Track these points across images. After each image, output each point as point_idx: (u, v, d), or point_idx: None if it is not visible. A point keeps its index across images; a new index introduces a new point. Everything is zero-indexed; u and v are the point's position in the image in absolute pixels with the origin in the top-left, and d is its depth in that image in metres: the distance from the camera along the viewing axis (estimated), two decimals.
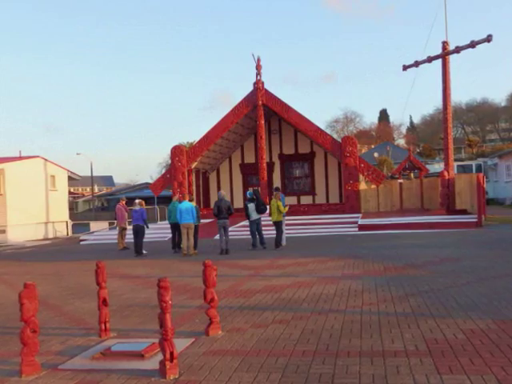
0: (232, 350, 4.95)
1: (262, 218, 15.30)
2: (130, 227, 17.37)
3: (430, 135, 77.83)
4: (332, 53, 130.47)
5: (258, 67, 24.73)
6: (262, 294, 7.79)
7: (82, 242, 22.33)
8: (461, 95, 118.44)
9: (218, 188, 27.68)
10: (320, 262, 11.17)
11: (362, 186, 25.62)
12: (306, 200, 28.50)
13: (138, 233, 15.32)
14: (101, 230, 27.36)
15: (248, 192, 16.28)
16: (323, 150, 27.87)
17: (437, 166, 43.19)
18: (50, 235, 29.42)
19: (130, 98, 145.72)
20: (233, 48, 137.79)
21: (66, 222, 31.40)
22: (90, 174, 50.57)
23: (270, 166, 28.37)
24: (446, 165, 22.17)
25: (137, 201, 16.05)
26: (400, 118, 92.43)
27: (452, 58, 21.75)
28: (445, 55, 21.57)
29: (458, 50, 21.21)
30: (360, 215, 22.19)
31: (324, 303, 6.85)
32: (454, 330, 5.22)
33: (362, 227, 19.57)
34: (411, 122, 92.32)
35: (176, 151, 25.64)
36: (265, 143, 25.84)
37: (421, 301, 6.67)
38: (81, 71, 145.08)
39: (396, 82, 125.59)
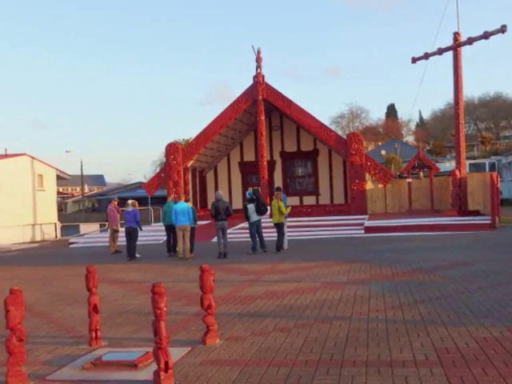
0: (230, 359, 4.95)
1: (263, 220, 15.31)
2: (122, 229, 17.39)
3: (440, 132, 77.88)
4: (336, 44, 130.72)
5: (258, 60, 24.74)
6: (262, 300, 7.80)
7: (71, 245, 22.36)
8: (473, 89, 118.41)
9: (216, 188, 27.67)
10: (324, 266, 11.18)
11: (369, 185, 25.62)
12: (309, 200, 28.52)
13: (131, 235, 15.32)
14: (91, 233, 27.40)
15: (248, 192, 16.31)
16: (327, 148, 27.89)
17: (448, 165, 43.15)
18: (38, 238, 29.42)
19: (123, 92, 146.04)
20: (232, 39, 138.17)
21: (55, 223, 31.40)
22: (79, 173, 50.65)
23: (271, 164, 28.38)
24: (458, 163, 22.19)
25: (129, 201, 16.06)
26: (409, 114, 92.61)
27: (464, 49, 21.81)
28: (456, 47, 21.59)
29: (470, 41, 21.23)
30: (366, 216, 22.22)
31: (328, 310, 6.86)
32: (465, 338, 5.22)
33: (368, 229, 19.59)
34: (421, 118, 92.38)
35: (171, 149, 25.66)
36: (265, 140, 25.88)
37: (431, 307, 6.68)
38: (70, 64, 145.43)
39: (404, 76, 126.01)
